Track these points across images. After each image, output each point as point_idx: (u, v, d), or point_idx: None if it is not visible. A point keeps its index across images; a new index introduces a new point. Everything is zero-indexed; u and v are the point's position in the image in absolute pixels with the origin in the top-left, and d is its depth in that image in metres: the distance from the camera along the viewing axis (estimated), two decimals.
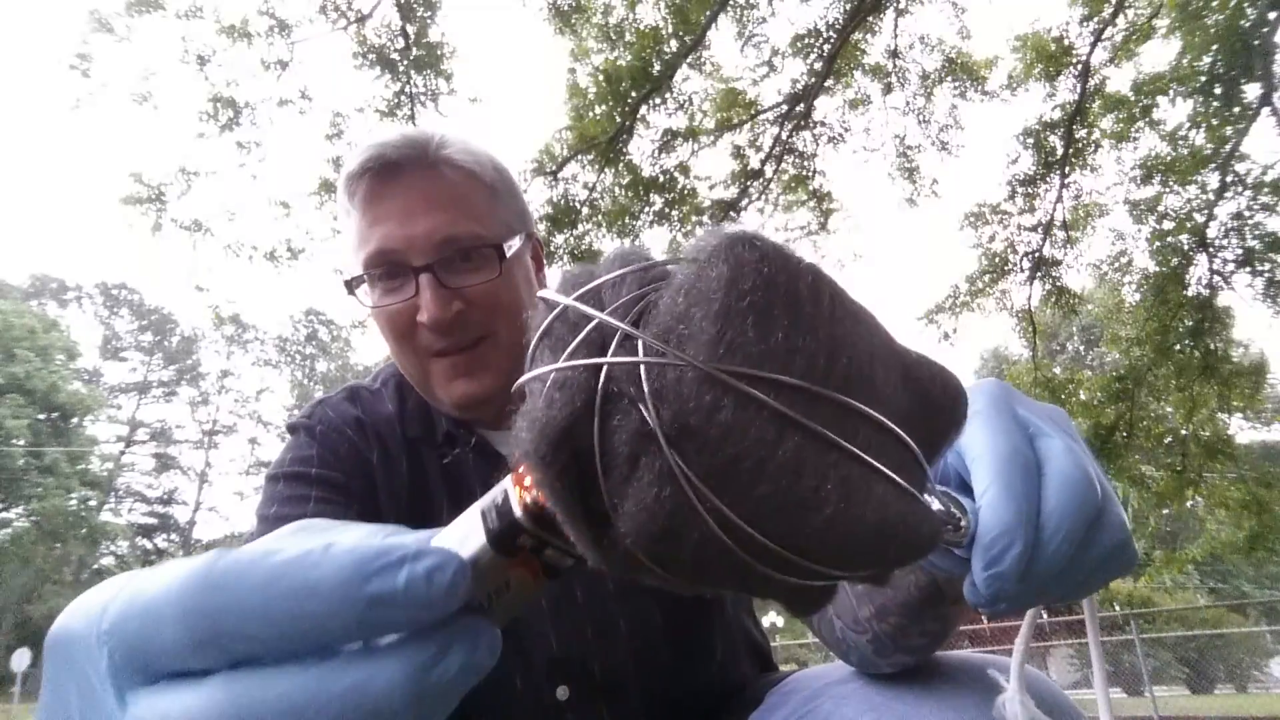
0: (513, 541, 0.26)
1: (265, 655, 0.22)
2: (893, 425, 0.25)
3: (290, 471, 0.73)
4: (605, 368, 0.24)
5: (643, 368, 0.24)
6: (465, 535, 0.27)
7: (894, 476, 0.24)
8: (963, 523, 0.33)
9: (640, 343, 0.24)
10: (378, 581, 0.22)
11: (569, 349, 0.26)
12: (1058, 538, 0.32)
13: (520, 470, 0.27)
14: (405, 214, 0.69)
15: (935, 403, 0.28)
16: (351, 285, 0.73)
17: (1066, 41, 6.64)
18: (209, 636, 0.22)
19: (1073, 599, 0.37)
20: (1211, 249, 6.56)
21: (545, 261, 0.86)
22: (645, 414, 0.23)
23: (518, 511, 0.26)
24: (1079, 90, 6.59)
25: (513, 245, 0.73)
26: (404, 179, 0.70)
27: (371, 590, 0.22)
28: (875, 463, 0.24)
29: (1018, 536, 0.31)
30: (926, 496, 0.28)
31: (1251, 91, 5.90)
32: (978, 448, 0.34)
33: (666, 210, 6.96)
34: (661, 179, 6.69)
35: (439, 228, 0.69)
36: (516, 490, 0.27)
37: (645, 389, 0.23)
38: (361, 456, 0.75)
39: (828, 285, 0.25)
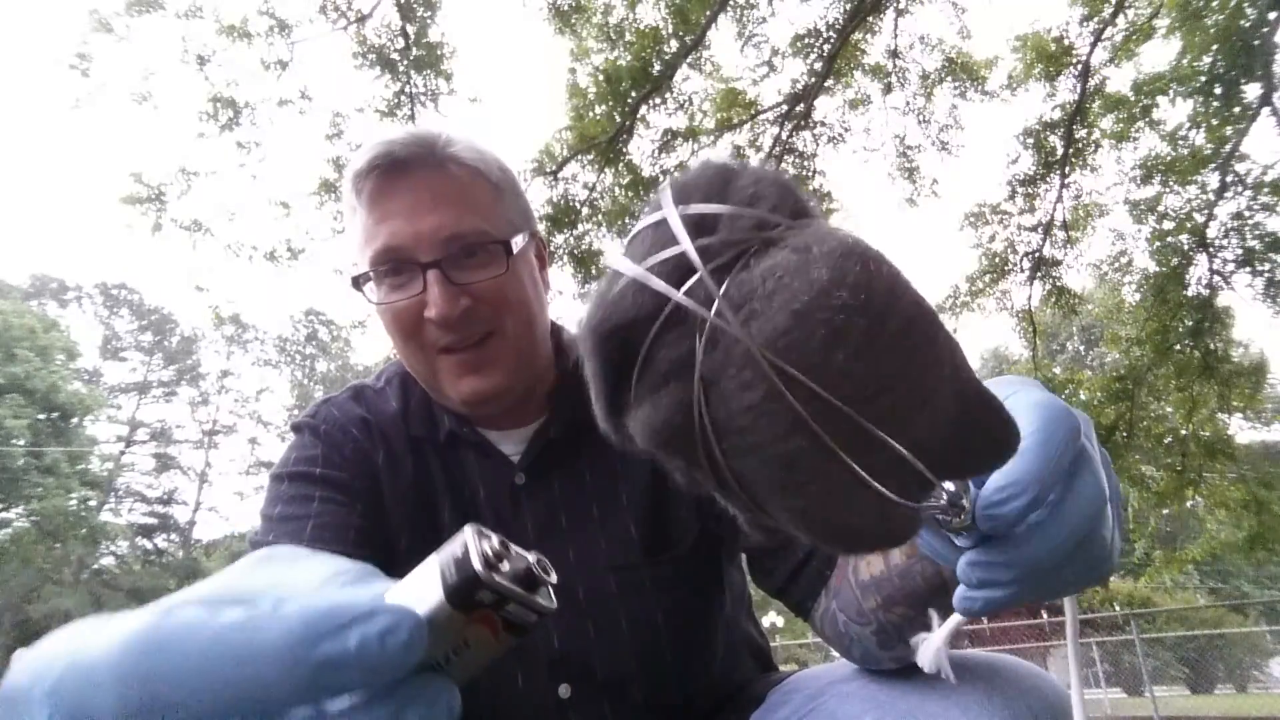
0: (471, 597, 0.25)
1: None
2: (911, 458, 0.26)
3: (295, 471, 0.73)
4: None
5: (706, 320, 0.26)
6: (422, 590, 0.25)
7: (884, 491, 0.25)
8: (965, 504, 0.32)
9: (716, 299, 0.26)
10: (328, 645, 0.21)
11: (657, 259, 0.27)
12: (1066, 527, 0.31)
13: (475, 528, 0.27)
14: (412, 211, 0.69)
15: (984, 438, 0.29)
16: (358, 282, 0.73)
17: (1066, 41, 6.64)
18: (143, 706, 0.21)
19: (1046, 598, 0.36)
20: (1211, 249, 6.56)
21: (548, 260, 0.87)
22: (695, 350, 0.26)
23: (477, 565, 0.25)
24: (1079, 90, 6.59)
25: (518, 242, 0.74)
26: (411, 176, 0.70)
27: (321, 654, 0.21)
28: (871, 480, 0.25)
29: (1031, 488, 0.30)
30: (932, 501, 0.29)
31: (1251, 91, 5.91)
32: (1031, 425, 0.32)
33: None
34: (661, 179, 6.69)
35: (446, 224, 0.69)
36: (476, 541, 0.26)
37: (701, 336, 0.26)
38: (366, 456, 0.75)
39: (922, 325, 0.26)
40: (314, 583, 0.26)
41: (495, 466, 0.76)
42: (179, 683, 0.21)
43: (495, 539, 0.27)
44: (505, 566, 0.26)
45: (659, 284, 0.26)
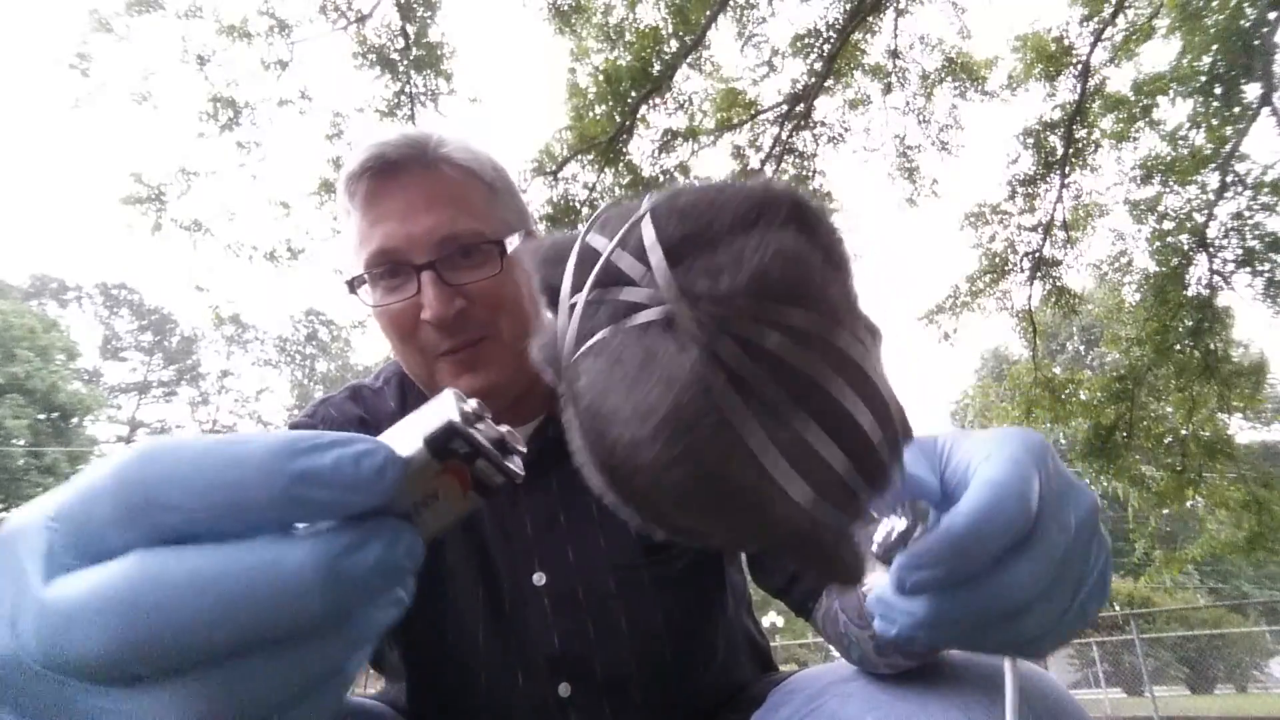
0: (446, 444, 0.26)
1: (192, 529, 0.23)
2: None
3: None
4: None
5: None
6: (402, 436, 0.27)
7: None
8: (918, 531, 0.32)
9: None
10: (305, 459, 0.23)
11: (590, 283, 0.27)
12: (981, 605, 0.31)
13: (455, 392, 0.29)
14: (406, 212, 0.69)
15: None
16: (353, 285, 0.73)
17: (1066, 41, 6.64)
18: (140, 504, 0.22)
19: (973, 648, 0.35)
20: (1211, 249, 6.56)
21: None
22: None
23: (455, 415, 0.27)
24: (1079, 90, 6.59)
25: (513, 242, 0.73)
26: (404, 178, 0.70)
27: (298, 466, 0.23)
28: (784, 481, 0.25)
29: (942, 566, 0.30)
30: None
31: (1251, 91, 5.91)
32: (990, 469, 0.32)
33: None
34: (661, 179, 6.69)
35: (440, 225, 0.69)
36: (455, 400, 0.28)
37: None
38: None
39: (702, 501, 0.25)
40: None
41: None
42: (173, 483, 0.23)
43: (473, 402, 0.29)
44: (481, 427, 0.28)
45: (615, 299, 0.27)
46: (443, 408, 0.27)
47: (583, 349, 0.26)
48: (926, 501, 0.34)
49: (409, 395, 0.80)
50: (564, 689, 0.69)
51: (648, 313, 0.25)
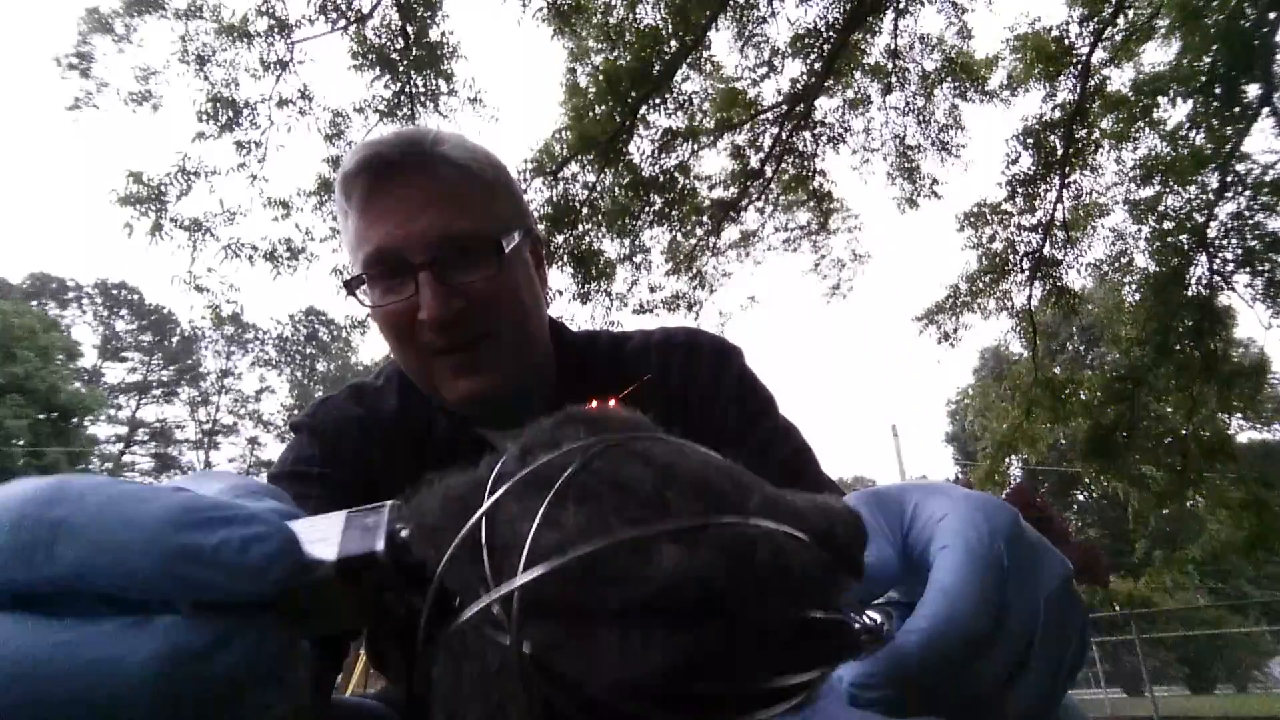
0: (360, 570, 0.24)
1: (73, 587, 0.21)
2: None
3: (292, 471, 0.73)
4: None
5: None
6: (323, 536, 0.24)
7: None
8: (886, 629, 0.30)
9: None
10: (191, 534, 0.21)
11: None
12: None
13: (400, 504, 0.26)
14: (403, 212, 0.69)
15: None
16: (351, 286, 0.72)
17: (1066, 41, 6.64)
18: (34, 549, 0.21)
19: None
20: (1211, 249, 6.56)
21: (546, 260, 0.86)
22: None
23: (379, 545, 0.24)
24: (1079, 90, 6.59)
25: (512, 241, 0.73)
26: (400, 178, 0.70)
27: (180, 540, 0.21)
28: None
29: (892, 689, 0.29)
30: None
31: (1251, 91, 5.91)
32: (946, 571, 0.30)
33: (666, 210, 6.96)
34: (661, 179, 6.69)
35: (437, 225, 0.69)
36: (391, 512, 0.25)
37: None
38: (364, 456, 0.75)
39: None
40: (215, 488, 0.26)
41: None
42: (68, 532, 0.21)
43: (407, 529, 0.25)
44: (408, 558, 0.25)
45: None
46: (373, 528, 0.25)
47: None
48: (885, 580, 0.32)
49: (410, 394, 0.80)
50: None
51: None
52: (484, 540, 0.23)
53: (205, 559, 0.21)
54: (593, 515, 0.22)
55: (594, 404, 0.28)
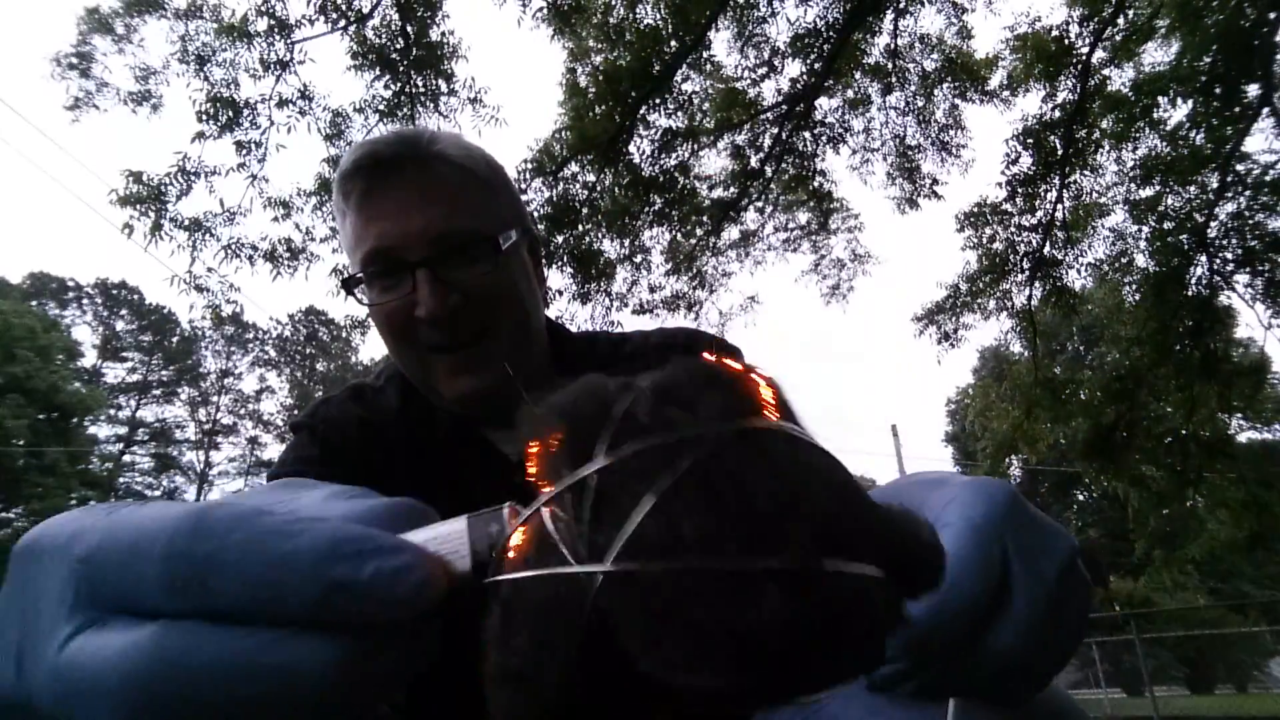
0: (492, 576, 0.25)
1: (224, 610, 0.22)
2: None
3: (292, 472, 0.73)
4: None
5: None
6: (454, 549, 0.26)
7: None
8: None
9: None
10: (344, 567, 0.22)
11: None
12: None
13: (511, 507, 0.27)
14: (400, 211, 0.69)
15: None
16: (349, 285, 0.72)
17: (1066, 41, 6.64)
18: (187, 583, 0.22)
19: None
20: (1211, 249, 6.56)
21: (544, 260, 0.86)
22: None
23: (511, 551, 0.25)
24: (1079, 90, 6.58)
25: (509, 239, 0.73)
26: (397, 176, 0.70)
27: (337, 574, 0.22)
28: None
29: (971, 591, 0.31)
30: None
31: (1251, 91, 5.90)
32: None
33: (666, 210, 6.96)
34: (661, 179, 6.68)
35: (434, 223, 0.68)
36: (509, 512, 0.26)
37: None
38: (363, 456, 0.75)
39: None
40: (313, 501, 0.27)
41: (495, 467, 0.75)
42: (222, 570, 0.22)
43: (520, 520, 0.26)
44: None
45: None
46: (498, 531, 0.26)
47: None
48: None
49: (410, 394, 0.80)
50: None
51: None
52: (593, 485, 0.23)
53: (359, 592, 0.22)
54: (707, 525, 0.21)
55: (731, 362, 0.26)
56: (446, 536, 0.26)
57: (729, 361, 0.26)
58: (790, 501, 0.22)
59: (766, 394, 0.25)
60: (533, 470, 0.26)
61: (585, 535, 0.23)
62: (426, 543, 0.26)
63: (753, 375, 0.26)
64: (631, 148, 6.42)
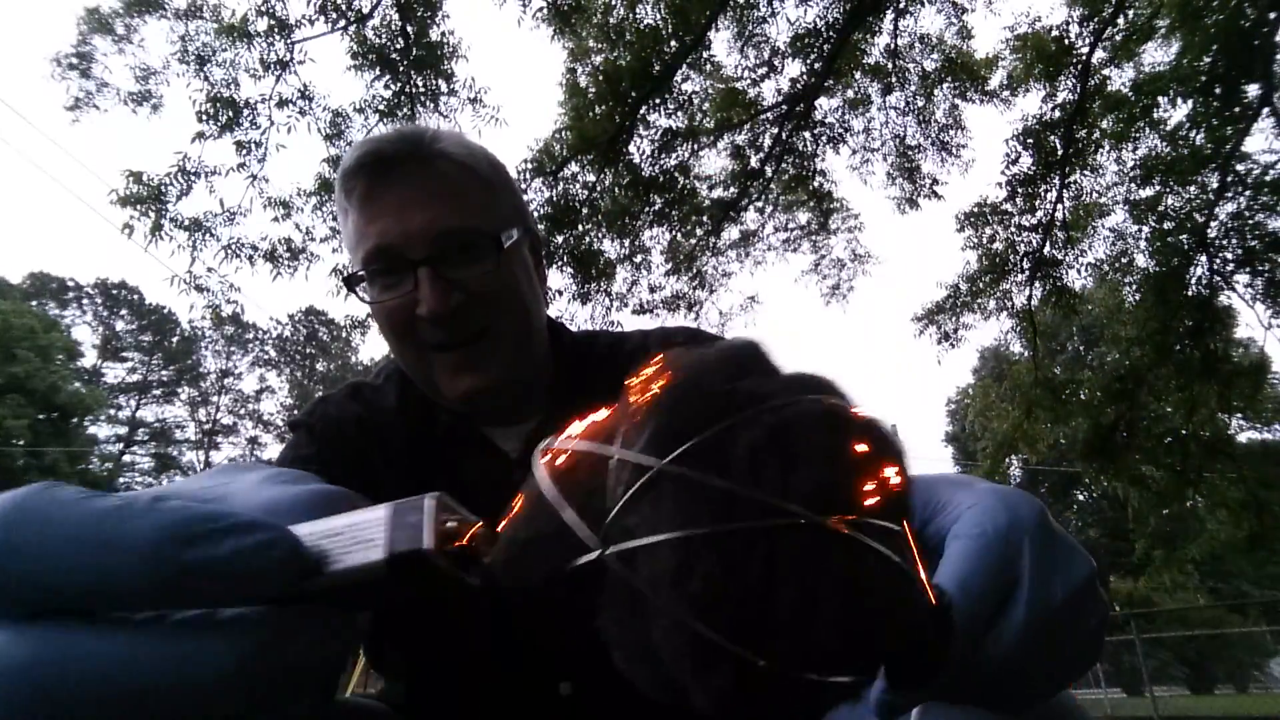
0: (409, 569, 0.25)
1: (60, 606, 0.21)
2: None
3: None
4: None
5: None
6: (370, 537, 0.25)
7: None
8: None
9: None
10: (199, 549, 0.21)
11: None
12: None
13: (438, 499, 0.26)
14: (401, 209, 0.69)
15: None
16: (351, 283, 0.72)
17: (1066, 41, 6.64)
18: (4, 577, 0.20)
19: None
20: (1211, 249, 6.55)
21: (545, 259, 0.86)
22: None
23: (429, 540, 0.25)
24: (1079, 90, 6.58)
25: (510, 237, 0.73)
26: (399, 174, 0.70)
27: (190, 557, 0.21)
28: None
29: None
30: None
31: (1251, 91, 5.90)
32: (958, 560, 0.33)
33: (666, 210, 6.96)
34: (661, 179, 6.68)
35: (435, 221, 0.69)
36: (437, 505, 0.26)
37: None
38: (362, 455, 0.75)
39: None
40: (247, 484, 0.26)
41: (494, 464, 0.75)
42: (37, 557, 0.21)
43: (453, 520, 0.27)
44: (452, 544, 0.26)
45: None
46: (418, 522, 0.25)
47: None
48: None
49: (409, 392, 0.80)
50: (565, 687, 0.68)
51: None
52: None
53: (220, 570, 0.21)
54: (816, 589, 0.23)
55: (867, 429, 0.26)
56: (365, 524, 0.25)
57: (866, 425, 0.26)
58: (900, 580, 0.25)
59: (881, 481, 0.25)
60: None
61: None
62: (345, 529, 0.25)
63: (882, 458, 0.26)
64: (631, 148, 6.43)
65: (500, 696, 0.68)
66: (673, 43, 6.18)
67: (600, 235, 6.73)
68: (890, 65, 7.04)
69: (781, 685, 0.23)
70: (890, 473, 0.25)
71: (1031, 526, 0.34)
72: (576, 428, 0.29)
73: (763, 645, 0.23)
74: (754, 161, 7.18)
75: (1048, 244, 7.18)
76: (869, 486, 0.24)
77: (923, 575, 0.26)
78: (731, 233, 7.75)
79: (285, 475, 0.28)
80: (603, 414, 0.29)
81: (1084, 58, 6.51)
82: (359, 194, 0.71)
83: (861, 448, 0.25)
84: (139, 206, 5.34)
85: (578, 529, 0.25)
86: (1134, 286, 7.61)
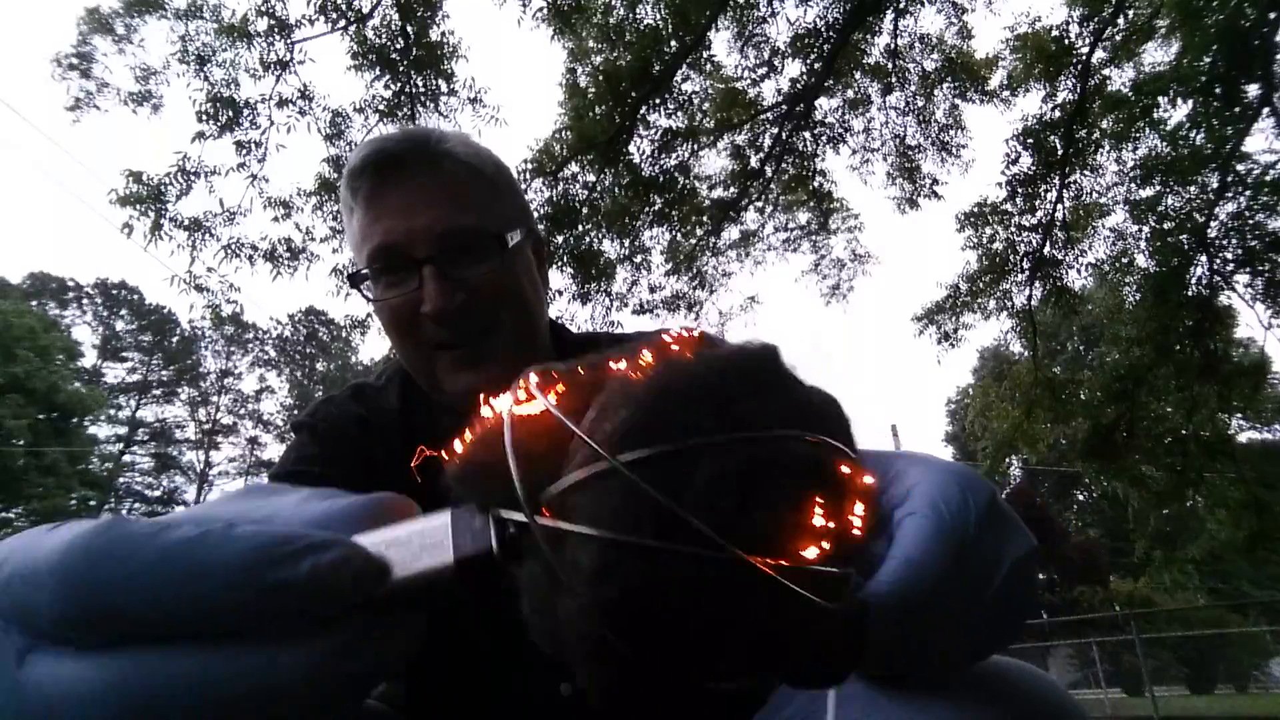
0: (476, 568, 0.26)
1: (154, 635, 0.22)
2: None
3: (293, 471, 0.73)
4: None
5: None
6: (436, 540, 0.26)
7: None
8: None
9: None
10: (280, 571, 0.22)
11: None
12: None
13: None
14: (407, 208, 0.70)
15: None
16: (355, 280, 0.73)
17: (1066, 41, 6.64)
18: (88, 611, 0.21)
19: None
20: (1211, 249, 6.55)
21: (546, 260, 0.87)
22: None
23: (493, 543, 0.26)
24: (1079, 90, 6.58)
25: (514, 237, 0.73)
26: (405, 174, 0.71)
27: (272, 578, 0.22)
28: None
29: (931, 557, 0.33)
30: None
31: (1251, 91, 5.90)
32: (911, 538, 0.34)
33: (666, 210, 6.96)
34: (661, 179, 6.68)
35: (440, 220, 0.69)
36: (497, 525, 0.27)
37: None
38: (364, 455, 0.75)
39: None
40: (289, 504, 0.27)
41: None
42: (123, 591, 0.21)
43: (517, 516, 0.27)
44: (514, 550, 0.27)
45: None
46: (482, 526, 0.26)
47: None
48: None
49: (412, 393, 0.80)
50: (565, 688, 0.68)
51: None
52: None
53: (301, 590, 0.22)
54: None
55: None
56: (429, 530, 0.27)
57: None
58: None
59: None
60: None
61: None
62: (409, 536, 0.26)
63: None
64: (631, 148, 6.43)
65: (501, 697, 0.68)
66: (673, 43, 6.18)
67: (600, 235, 6.73)
68: (890, 65, 7.04)
69: (672, 691, 0.24)
70: (854, 520, 0.26)
71: (980, 503, 0.35)
72: (561, 372, 0.29)
73: (661, 660, 0.23)
74: (754, 161, 7.18)
75: (1048, 244, 7.19)
76: (816, 538, 0.25)
77: (845, 604, 0.27)
78: (731, 233, 7.76)
79: (322, 493, 0.29)
80: (591, 371, 0.29)
81: (1084, 58, 6.51)
82: (364, 193, 0.71)
83: (825, 502, 0.25)
84: (139, 206, 5.34)
85: (519, 488, 0.25)
86: (1134, 286, 7.61)
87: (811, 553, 0.24)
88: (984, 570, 0.35)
